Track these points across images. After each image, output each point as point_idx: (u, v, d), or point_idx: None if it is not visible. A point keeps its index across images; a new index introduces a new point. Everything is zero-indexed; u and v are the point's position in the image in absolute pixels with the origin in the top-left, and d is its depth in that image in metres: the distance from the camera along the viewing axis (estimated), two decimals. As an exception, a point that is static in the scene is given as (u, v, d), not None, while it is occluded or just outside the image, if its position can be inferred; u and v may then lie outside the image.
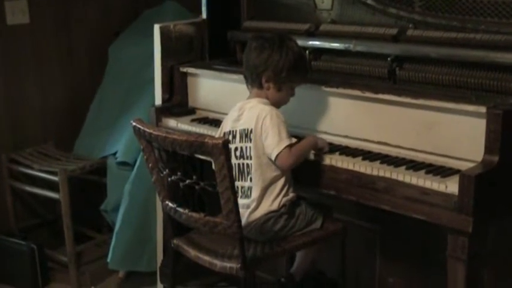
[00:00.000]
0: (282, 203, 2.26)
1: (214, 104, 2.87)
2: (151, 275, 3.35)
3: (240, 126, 2.27)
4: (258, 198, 2.24)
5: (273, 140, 2.20)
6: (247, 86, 2.38)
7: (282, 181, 2.25)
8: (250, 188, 2.25)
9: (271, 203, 2.25)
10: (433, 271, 2.39)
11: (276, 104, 2.34)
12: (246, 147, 2.25)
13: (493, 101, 2.07)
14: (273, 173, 2.24)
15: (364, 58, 2.55)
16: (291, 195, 2.29)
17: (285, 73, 2.28)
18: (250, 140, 2.24)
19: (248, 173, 2.25)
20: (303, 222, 2.30)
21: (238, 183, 2.23)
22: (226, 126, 2.34)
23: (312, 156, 2.30)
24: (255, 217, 2.25)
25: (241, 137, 2.26)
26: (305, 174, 2.26)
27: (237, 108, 2.33)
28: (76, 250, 3.43)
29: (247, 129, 2.25)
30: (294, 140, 2.24)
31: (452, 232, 1.93)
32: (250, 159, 2.24)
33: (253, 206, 2.24)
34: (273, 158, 2.20)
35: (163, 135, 2.10)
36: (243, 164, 2.26)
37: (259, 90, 2.33)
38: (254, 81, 2.33)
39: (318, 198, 2.43)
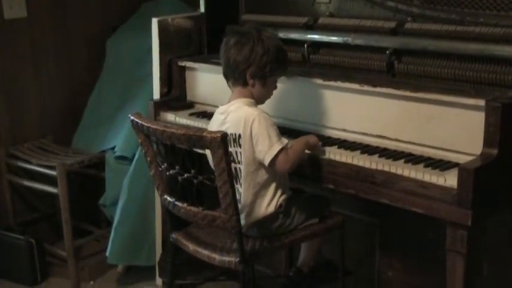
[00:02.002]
0: (278, 204, 2.24)
1: (213, 98, 2.87)
2: (151, 269, 3.35)
3: (227, 131, 2.12)
4: (250, 204, 2.21)
5: (263, 146, 2.13)
6: (228, 85, 2.29)
7: (274, 184, 2.22)
8: (240, 194, 2.20)
9: (266, 206, 2.22)
10: (432, 264, 2.39)
11: (262, 99, 2.29)
12: (236, 152, 2.18)
13: (492, 94, 2.07)
14: (264, 177, 2.19)
15: (363, 51, 2.54)
16: (286, 193, 2.27)
17: (269, 67, 2.20)
18: (240, 146, 2.17)
19: (239, 178, 2.21)
20: (300, 219, 2.28)
21: None
22: (213, 129, 2.21)
23: (317, 152, 2.29)
24: (251, 221, 2.23)
25: (229, 142, 2.14)
26: (303, 168, 2.25)
27: (222, 111, 2.25)
28: (75, 245, 3.43)
29: (235, 134, 2.17)
30: (285, 141, 2.18)
31: (451, 225, 1.93)
32: (241, 164, 2.19)
33: (245, 211, 2.21)
34: (266, 164, 2.14)
35: (162, 129, 2.09)
36: (234, 168, 2.18)
37: (243, 88, 2.23)
38: (237, 79, 2.23)
39: (317, 191, 2.43)
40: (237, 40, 2.21)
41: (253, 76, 2.21)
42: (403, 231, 2.53)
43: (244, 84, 2.23)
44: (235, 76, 2.23)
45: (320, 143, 2.30)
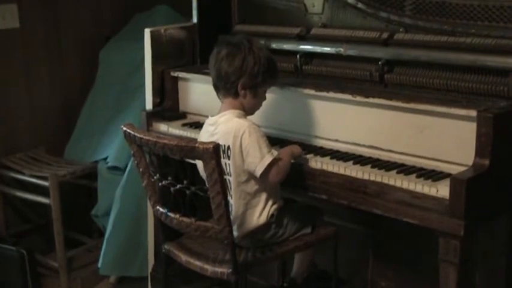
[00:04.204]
0: (270, 214, 2.23)
1: (206, 109, 2.86)
2: (143, 280, 3.33)
3: (216, 142, 2.06)
4: (241, 215, 2.21)
5: (254, 158, 2.13)
6: (218, 96, 2.29)
7: (264, 194, 2.22)
8: (231, 206, 2.19)
9: (258, 216, 2.22)
10: (425, 275, 2.39)
11: (252, 110, 2.29)
12: (226, 164, 2.17)
13: (484, 104, 2.08)
14: (253, 187, 2.19)
15: (355, 62, 2.55)
16: (278, 203, 2.26)
17: (261, 77, 2.21)
18: (229, 157, 2.17)
19: (230, 189, 2.20)
20: (293, 229, 2.28)
21: None
22: (203, 140, 2.19)
23: (300, 161, 2.29)
24: (243, 232, 2.22)
25: None
26: (296, 178, 2.25)
27: (211, 122, 2.25)
28: (67, 255, 3.42)
29: (225, 146, 2.15)
30: (275, 152, 2.17)
31: (444, 236, 1.93)
32: (231, 175, 2.19)
33: (237, 222, 2.20)
34: (257, 175, 2.14)
35: (154, 139, 2.09)
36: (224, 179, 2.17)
37: (234, 99, 2.23)
38: (228, 90, 2.22)
39: (309, 201, 2.43)
40: (228, 51, 2.22)
41: (244, 87, 2.21)
42: (396, 241, 2.53)
43: (235, 95, 2.23)
44: (226, 87, 2.23)
45: (303, 152, 2.31)
